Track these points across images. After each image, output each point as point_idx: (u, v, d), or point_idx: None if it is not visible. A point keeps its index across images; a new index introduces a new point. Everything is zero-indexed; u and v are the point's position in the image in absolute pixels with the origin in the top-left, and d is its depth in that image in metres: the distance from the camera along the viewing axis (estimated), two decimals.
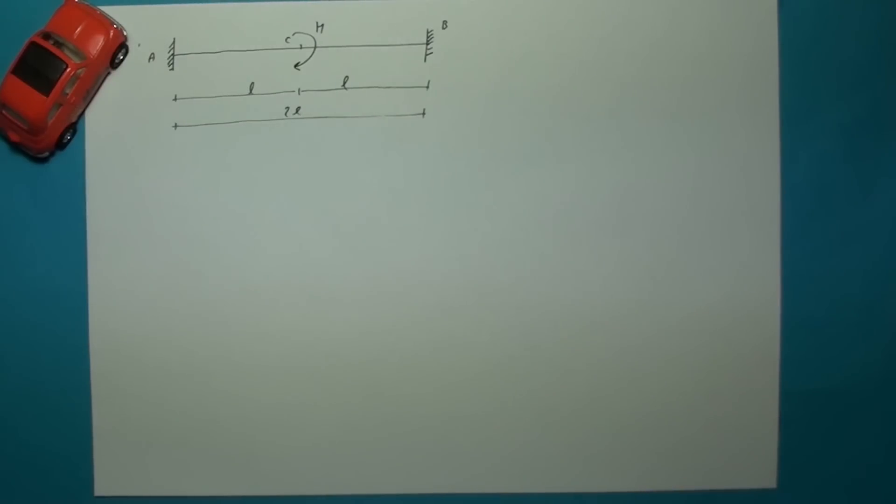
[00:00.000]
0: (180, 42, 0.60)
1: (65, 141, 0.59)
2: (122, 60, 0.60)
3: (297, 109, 0.60)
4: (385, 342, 0.60)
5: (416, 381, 0.60)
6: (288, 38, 0.60)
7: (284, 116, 0.60)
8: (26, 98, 0.57)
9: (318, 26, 0.60)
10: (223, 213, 0.60)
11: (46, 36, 0.57)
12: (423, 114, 0.60)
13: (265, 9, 0.60)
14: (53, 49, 0.57)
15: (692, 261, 0.60)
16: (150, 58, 0.60)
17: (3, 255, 0.60)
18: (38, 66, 0.57)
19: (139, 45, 0.60)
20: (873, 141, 0.60)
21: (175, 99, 0.60)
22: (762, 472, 0.60)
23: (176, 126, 0.60)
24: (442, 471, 0.60)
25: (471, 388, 0.60)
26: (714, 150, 0.60)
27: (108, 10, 0.59)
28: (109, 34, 0.58)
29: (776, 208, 0.60)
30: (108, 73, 0.60)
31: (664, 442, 0.60)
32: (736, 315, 0.60)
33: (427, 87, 0.60)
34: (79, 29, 0.58)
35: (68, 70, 0.57)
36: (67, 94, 0.57)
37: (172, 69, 0.60)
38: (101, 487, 0.61)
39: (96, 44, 0.58)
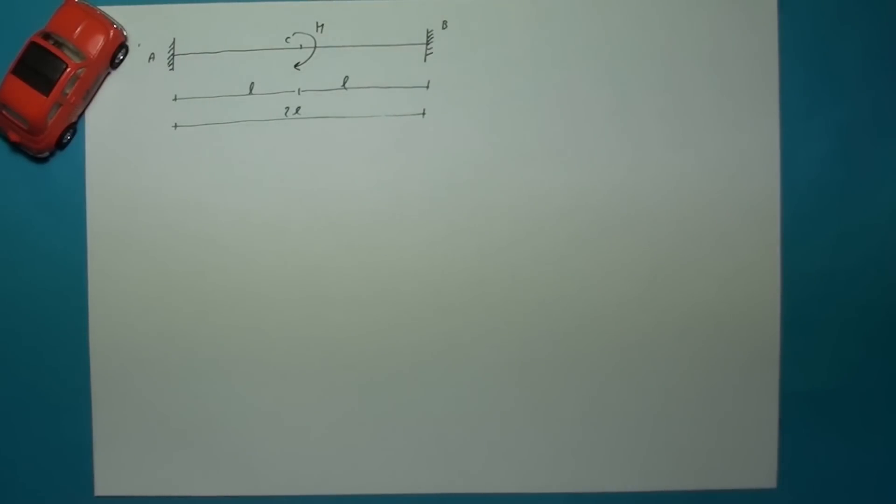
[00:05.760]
0: (180, 42, 0.60)
1: (65, 141, 0.59)
2: (122, 60, 0.60)
3: (297, 109, 0.60)
4: (384, 342, 0.60)
5: (416, 380, 0.60)
6: (288, 38, 0.60)
7: (284, 116, 0.60)
8: (26, 98, 0.57)
9: (318, 26, 0.60)
10: (223, 212, 0.60)
11: (46, 36, 0.57)
12: (423, 114, 0.60)
13: (265, 9, 0.60)
14: (53, 49, 0.57)
15: (692, 261, 0.60)
16: (150, 58, 0.60)
17: (3, 255, 0.60)
18: (38, 66, 0.57)
19: (139, 45, 0.60)
20: (873, 141, 0.60)
21: (175, 99, 0.60)
22: (762, 472, 0.60)
23: (176, 126, 0.60)
24: (442, 471, 0.60)
25: (470, 388, 0.60)
26: (714, 150, 0.60)
27: (108, 10, 0.59)
28: (109, 34, 0.58)
29: (776, 208, 0.60)
30: (108, 73, 0.60)
31: (664, 442, 0.60)
32: (736, 315, 0.60)
33: (427, 87, 0.60)
34: (79, 29, 0.58)
35: (68, 70, 0.57)
36: (67, 94, 0.57)
37: (172, 69, 0.60)
38: (101, 487, 0.61)
39: (96, 44, 0.58)
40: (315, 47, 0.60)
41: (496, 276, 0.60)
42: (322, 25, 0.60)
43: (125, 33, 0.59)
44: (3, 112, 0.58)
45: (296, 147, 0.60)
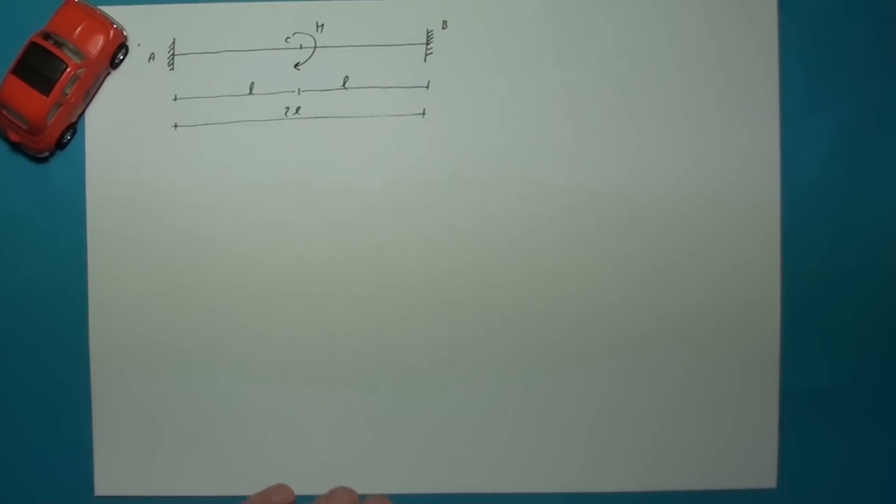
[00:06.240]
0: (180, 42, 0.60)
1: (65, 141, 0.59)
2: (122, 60, 0.60)
3: (297, 109, 0.60)
4: (384, 343, 0.60)
5: (416, 381, 0.60)
6: (288, 38, 0.60)
7: (284, 116, 0.60)
8: (26, 98, 0.57)
9: (318, 26, 0.60)
10: (223, 212, 0.60)
11: (46, 36, 0.57)
12: (423, 114, 0.60)
13: (265, 9, 0.60)
14: (53, 49, 0.57)
15: (692, 260, 0.60)
16: (150, 58, 0.60)
17: (3, 255, 0.60)
18: (38, 66, 0.57)
19: (139, 45, 0.60)
20: (873, 141, 0.60)
21: (175, 99, 0.60)
22: (762, 472, 0.60)
23: (176, 126, 0.60)
24: (443, 471, 0.60)
25: (470, 388, 0.60)
26: (714, 149, 0.60)
27: (108, 10, 0.59)
28: (109, 34, 0.58)
29: (776, 208, 0.60)
30: (108, 73, 0.60)
31: (664, 442, 0.60)
32: (736, 315, 0.60)
33: (427, 87, 0.60)
34: (79, 29, 0.58)
35: (68, 70, 0.57)
36: (67, 94, 0.57)
37: (172, 69, 0.60)
38: (101, 487, 0.61)
39: (96, 44, 0.58)
40: (315, 47, 0.60)
41: (496, 276, 0.60)
42: (322, 25, 0.60)
43: (125, 33, 0.59)
44: (3, 112, 0.58)
45: (296, 147, 0.60)
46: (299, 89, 0.60)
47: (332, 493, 0.58)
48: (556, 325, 0.60)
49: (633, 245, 0.60)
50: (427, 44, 0.60)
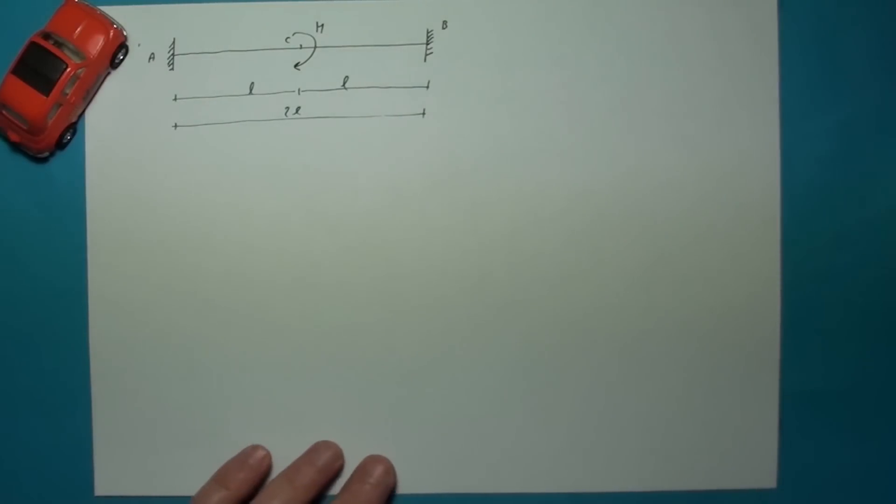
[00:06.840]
0: (180, 42, 0.60)
1: (65, 141, 0.59)
2: (122, 60, 0.60)
3: (297, 109, 0.60)
4: (385, 344, 0.60)
5: (417, 380, 0.60)
6: (288, 38, 0.60)
7: (284, 116, 0.60)
8: (26, 98, 0.57)
9: (318, 26, 0.60)
10: (223, 212, 0.60)
11: (46, 36, 0.57)
12: (423, 114, 0.60)
13: (265, 9, 0.60)
14: (53, 49, 0.57)
15: (691, 260, 0.60)
16: (150, 58, 0.60)
17: (3, 255, 0.60)
18: (38, 66, 0.57)
19: (139, 45, 0.60)
20: (873, 141, 0.60)
21: (175, 99, 0.60)
22: (762, 472, 0.60)
23: (176, 126, 0.60)
24: (444, 470, 0.60)
25: (470, 387, 0.60)
26: (714, 149, 0.60)
27: (108, 10, 0.59)
28: (109, 34, 0.58)
29: (776, 208, 0.60)
30: (108, 73, 0.60)
31: (664, 442, 0.60)
32: (736, 315, 0.60)
33: (427, 87, 0.60)
34: (79, 29, 0.58)
35: (68, 70, 0.57)
36: (67, 94, 0.57)
37: (172, 69, 0.60)
38: (101, 487, 0.61)
39: (96, 44, 0.58)
40: (315, 47, 0.60)
41: (496, 276, 0.60)
42: (322, 25, 0.60)
43: (125, 33, 0.59)
44: (3, 112, 0.58)
45: (296, 147, 0.60)
46: (299, 89, 0.60)
47: (315, 448, 0.59)
48: (554, 326, 0.60)
49: (632, 245, 0.60)
50: (427, 44, 0.60)
